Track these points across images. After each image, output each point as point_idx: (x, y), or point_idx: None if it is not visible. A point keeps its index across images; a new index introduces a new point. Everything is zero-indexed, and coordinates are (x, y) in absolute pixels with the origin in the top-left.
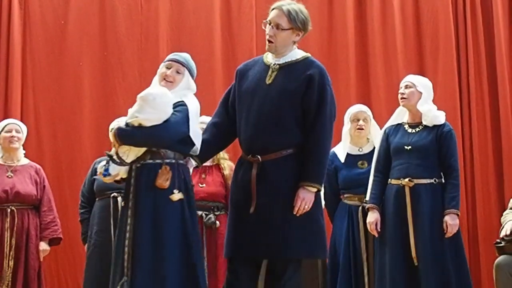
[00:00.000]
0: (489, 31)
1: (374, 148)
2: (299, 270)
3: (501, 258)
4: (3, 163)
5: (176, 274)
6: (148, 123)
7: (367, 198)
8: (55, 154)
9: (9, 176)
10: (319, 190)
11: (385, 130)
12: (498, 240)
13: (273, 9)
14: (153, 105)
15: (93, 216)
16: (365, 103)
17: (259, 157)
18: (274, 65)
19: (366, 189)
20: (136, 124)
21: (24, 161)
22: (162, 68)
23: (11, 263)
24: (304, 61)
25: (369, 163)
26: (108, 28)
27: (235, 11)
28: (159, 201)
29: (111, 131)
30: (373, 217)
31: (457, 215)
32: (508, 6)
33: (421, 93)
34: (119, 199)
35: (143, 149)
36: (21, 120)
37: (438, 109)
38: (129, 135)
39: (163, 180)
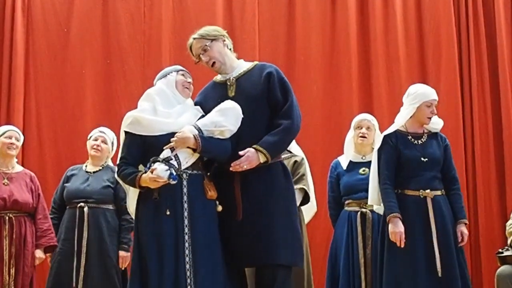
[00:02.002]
0: (491, 39)
1: None
2: (290, 278)
3: (502, 268)
4: None
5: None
6: (227, 135)
7: (368, 202)
8: (56, 161)
9: (5, 184)
10: (266, 161)
11: (389, 138)
12: (500, 250)
13: (190, 48)
14: (238, 117)
15: (62, 223)
16: (367, 111)
17: None
18: (230, 79)
19: (365, 194)
20: (216, 133)
21: (18, 168)
22: (177, 76)
23: (12, 271)
24: (255, 67)
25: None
26: (110, 36)
27: (237, 20)
28: (208, 214)
29: (89, 138)
30: (399, 227)
31: (466, 224)
32: (510, 14)
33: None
34: (85, 209)
35: (197, 157)
36: (23, 127)
37: (441, 117)
38: (211, 144)
39: (213, 192)
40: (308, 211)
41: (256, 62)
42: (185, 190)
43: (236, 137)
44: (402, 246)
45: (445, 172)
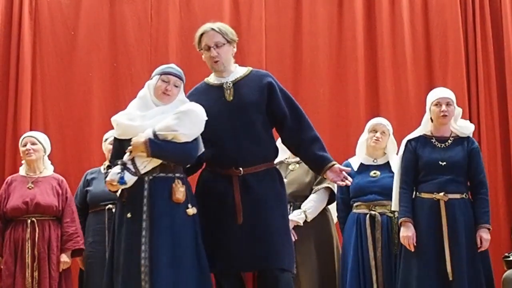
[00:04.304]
0: (499, 44)
1: (389, 161)
2: (291, 283)
3: (509, 272)
4: (25, 175)
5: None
6: (183, 139)
7: (391, 208)
8: (63, 164)
9: (30, 187)
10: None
11: (410, 142)
12: (507, 254)
13: (202, 35)
14: (194, 121)
15: (87, 227)
16: (374, 116)
17: (241, 169)
18: (226, 83)
19: (375, 197)
20: (169, 137)
21: (47, 172)
22: (158, 81)
23: (36, 274)
24: (252, 74)
25: (382, 173)
26: (118, 39)
27: (244, 23)
28: (176, 216)
29: (105, 141)
30: (410, 231)
31: (489, 229)
32: None
33: (454, 108)
34: (114, 210)
35: (160, 161)
36: (30, 130)
37: None
38: (161, 148)
39: (180, 195)
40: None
41: (251, 68)
42: (145, 193)
43: (233, 140)
44: (412, 249)
45: (471, 176)
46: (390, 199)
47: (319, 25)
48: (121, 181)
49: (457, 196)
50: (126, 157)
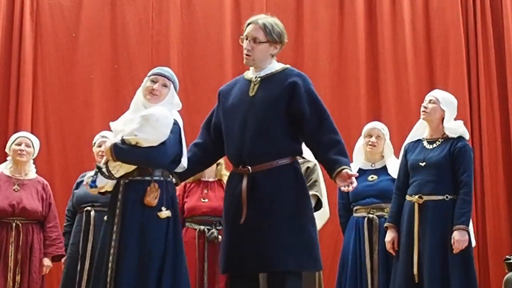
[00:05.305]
0: (499, 46)
1: (386, 165)
2: (300, 284)
3: (510, 274)
4: (10, 175)
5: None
6: (145, 143)
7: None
8: (65, 167)
9: (16, 190)
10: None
11: (404, 147)
12: (508, 256)
13: (249, 24)
14: (154, 126)
15: (73, 228)
16: (375, 118)
17: (249, 167)
18: (255, 78)
19: (373, 200)
20: (133, 142)
21: (32, 175)
22: (147, 82)
23: (18, 277)
24: (284, 71)
25: (379, 177)
26: (119, 42)
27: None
28: (146, 218)
29: (94, 145)
30: (389, 236)
31: (467, 231)
32: None
33: (443, 110)
34: (92, 213)
35: (134, 166)
36: (31, 132)
37: None
38: (125, 153)
39: (152, 198)
40: (321, 218)
41: (287, 66)
42: (119, 196)
43: (241, 137)
44: (393, 253)
45: (456, 176)
46: (388, 202)
47: (320, 27)
48: (92, 184)
49: (436, 197)
50: (102, 161)
